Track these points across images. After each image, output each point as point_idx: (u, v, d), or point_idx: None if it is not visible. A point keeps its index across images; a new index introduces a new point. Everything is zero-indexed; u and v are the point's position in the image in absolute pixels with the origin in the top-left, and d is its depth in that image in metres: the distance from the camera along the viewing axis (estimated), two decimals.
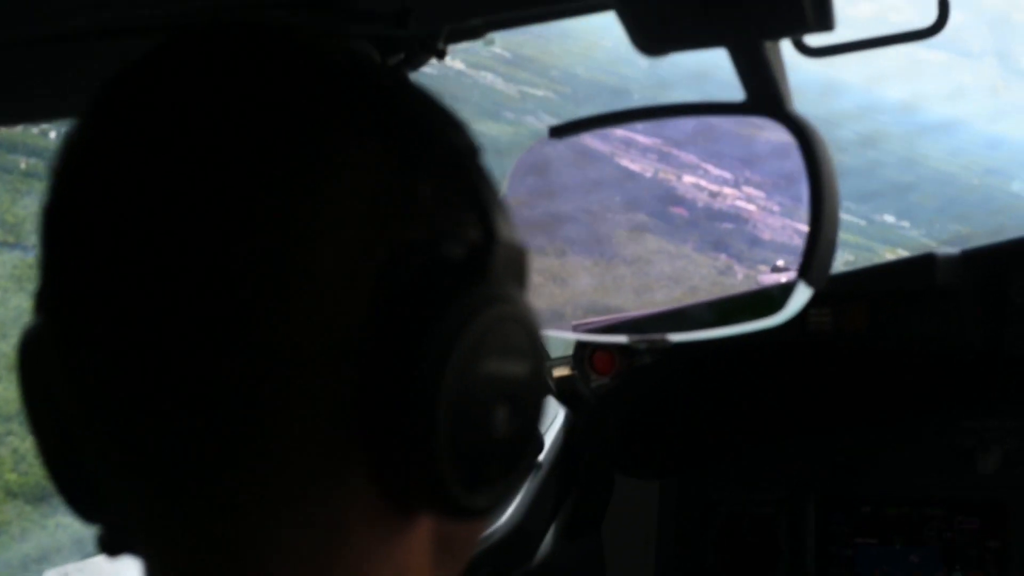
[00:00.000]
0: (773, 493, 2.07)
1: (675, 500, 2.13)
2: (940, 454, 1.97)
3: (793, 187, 0.94)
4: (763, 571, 2.07)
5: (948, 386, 1.95)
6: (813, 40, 0.92)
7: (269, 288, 0.54)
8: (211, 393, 0.55)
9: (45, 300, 0.60)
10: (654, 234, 1.44)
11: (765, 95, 0.93)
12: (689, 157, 1.29)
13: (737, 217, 1.43)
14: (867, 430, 2.02)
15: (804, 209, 0.92)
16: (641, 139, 1.24)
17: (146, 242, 0.55)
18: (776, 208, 1.26)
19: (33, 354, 0.64)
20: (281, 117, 0.56)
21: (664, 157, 1.29)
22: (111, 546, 0.64)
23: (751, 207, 1.38)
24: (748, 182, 1.33)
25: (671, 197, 1.40)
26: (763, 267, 1.58)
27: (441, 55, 1.20)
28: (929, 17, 0.92)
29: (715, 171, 1.33)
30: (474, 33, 1.21)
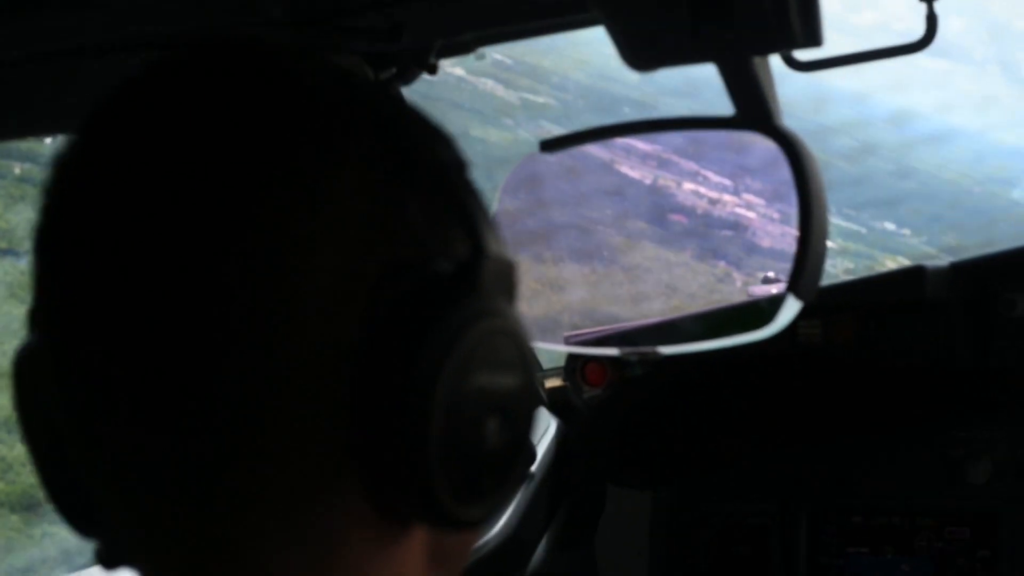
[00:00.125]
0: (765, 503, 2.08)
1: (667, 510, 2.13)
2: (931, 464, 1.98)
3: (789, 195, 0.95)
4: None
5: (938, 397, 1.95)
6: (802, 54, 0.93)
7: (261, 309, 0.55)
8: (204, 411, 0.55)
9: (39, 317, 0.61)
10: (652, 242, 1.44)
11: (754, 109, 0.93)
12: (688, 164, 1.30)
13: (736, 224, 1.43)
14: (858, 441, 2.02)
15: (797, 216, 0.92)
16: (641, 146, 1.24)
17: (138, 261, 0.56)
18: (775, 215, 1.27)
19: (28, 371, 0.64)
20: (270, 138, 0.57)
21: (664, 164, 1.29)
22: (108, 560, 0.65)
23: (751, 214, 1.39)
24: (748, 189, 1.34)
25: (670, 204, 1.40)
26: (762, 274, 1.59)
27: (433, 70, 1.20)
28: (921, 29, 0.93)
29: (715, 178, 1.33)
30: (465, 48, 1.22)
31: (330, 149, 0.57)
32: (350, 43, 1.10)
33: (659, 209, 1.45)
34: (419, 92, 1.26)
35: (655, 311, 1.62)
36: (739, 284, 1.62)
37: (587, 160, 1.19)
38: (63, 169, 0.59)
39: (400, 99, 0.64)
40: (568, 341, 1.54)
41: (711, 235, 1.52)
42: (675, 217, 1.47)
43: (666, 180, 1.35)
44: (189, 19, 0.92)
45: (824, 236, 0.92)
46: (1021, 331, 1.80)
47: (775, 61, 0.92)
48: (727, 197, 1.39)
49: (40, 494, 0.67)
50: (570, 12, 1.09)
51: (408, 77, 1.24)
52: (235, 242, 0.55)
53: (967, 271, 1.83)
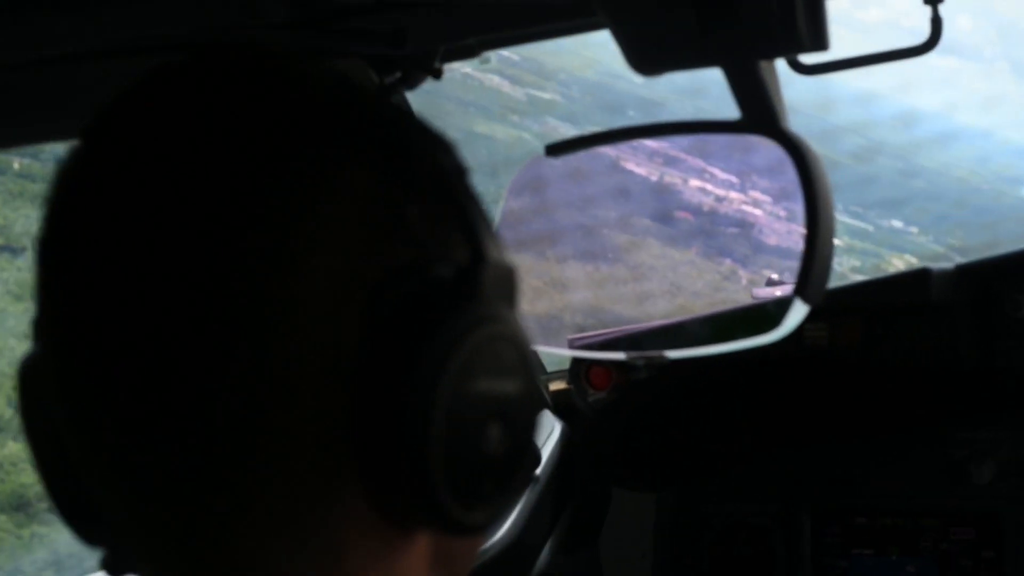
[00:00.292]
0: (769, 505, 2.07)
1: (671, 513, 2.13)
2: (935, 465, 1.97)
3: (796, 194, 0.94)
4: None
5: (942, 399, 1.95)
6: (807, 58, 0.93)
7: (262, 314, 0.55)
8: (205, 418, 0.55)
9: (42, 328, 0.61)
10: (658, 240, 1.44)
11: (760, 113, 0.93)
12: (696, 161, 1.29)
13: (743, 222, 1.43)
14: (862, 442, 2.02)
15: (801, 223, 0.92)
16: (647, 143, 1.24)
17: (139, 269, 0.56)
18: (782, 213, 1.26)
19: (32, 381, 0.64)
20: (271, 143, 0.57)
21: (670, 161, 1.29)
22: (114, 567, 0.65)
23: (757, 212, 1.38)
24: (755, 187, 1.33)
25: (677, 202, 1.40)
26: (768, 272, 1.59)
27: (437, 74, 1.20)
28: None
29: (722, 175, 1.33)
30: (470, 52, 1.22)
31: (330, 154, 0.58)
32: (354, 47, 1.10)
33: (665, 207, 1.44)
34: (423, 89, 1.26)
35: (660, 310, 1.62)
36: (745, 282, 1.62)
37: (593, 158, 1.19)
38: (65, 177, 0.59)
39: (400, 104, 0.64)
40: (573, 345, 1.53)
41: (717, 233, 1.52)
42: (681, 215, 1.47)
43: (672, 177, 1.35)
44: (191, 22, 0.92)
45: (831, 240, 0.92)
46: None
47: (780, 64, 0.92)
48: (734, 194, 1.39)
49: (30, 494, 0.67)
50: (575, 16, 1.09)
51: (412, 81, 1.23)
52: (236, 248, 0.55)
53: (972, 273, 1.82)
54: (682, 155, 1.31)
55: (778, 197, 1.28)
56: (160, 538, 0.59)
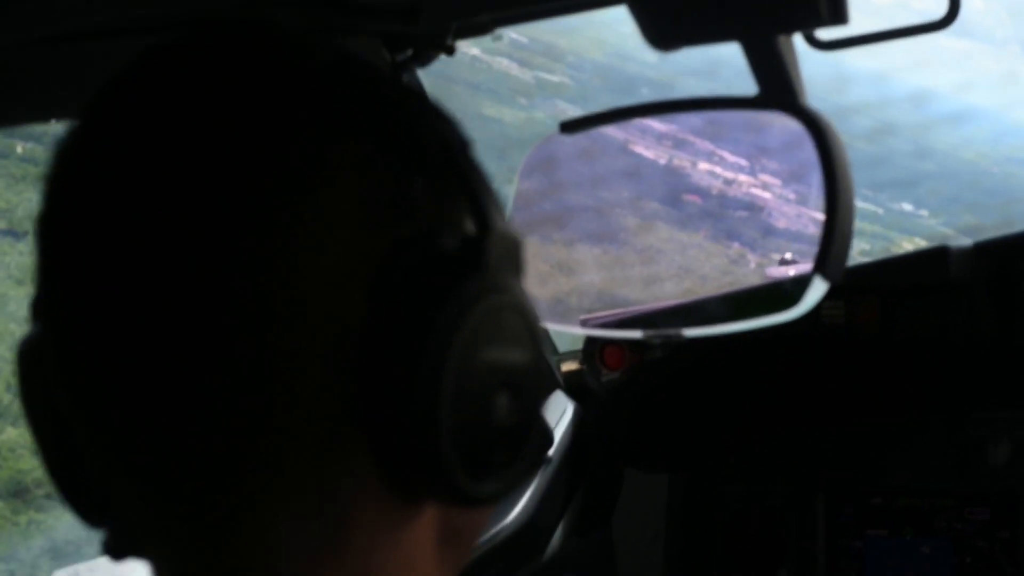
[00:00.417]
0: (782, 486, 2.07)
1: (684, 494, 2.13)
2: (950, 446, 1.97)
3: (807, 176, 0.94)
4: (772, 564, 2.07)
5: (960, 378, 1.94)
6: (824, 33, 0.92)
7: (268, 289, 0.55)
8: (213, 394, 0.55)
9: (42, 308, 0.61)
10: (666, 223, 1.44)
11: (778, 89, 0.92)
12: (705, 144, 1.29)
13: (752, 205, 1.42)
14: (877, 423, 2.01)
15: (818, 197, 0.91)
16: (657, 126, 1.23)
17: (141, 248, 0.55)
18: (792, 196, 1.26)
19: (33, 362, 0.64)
20: (272, 120, 0.57)
21: (680, 144, 1.28)
22: (117, 550, 0.65)
23: (767, 195, 1.38)
24: (765, 169, 1.32)
25: (685, 185, 1.39)
26: (776, 255, 1.58)
27: (450, 51, 1.20)
28: (944, 7, 0.92)
29: (731, 158, 1.32)
30: (483, 29, 1.21)
31: (333, 129, 0.58)
32: (366, 24, 1.09)
33: (674, 190, 1.44)
34: (433, 72, 1.25)
35: (668, 294, 1.61)
36: (753, 266, 1.62)
37: (603, 141, 1.19)
38: (64, 156, 0.59)
39: (403, 79, 0.64)
40: (587, 324, 1.53)
41: (726, 216, 1.51)
42: (690, 198, 1.46)
43: (681, 160, 1.34)
44: (200, 0, 0.91)
45: (851, 216, 0.91)
46: None
47: (796, 42, 0.91)
48: (743, 177, 1.38)
49: (28, 480, 0.66)
50: None
51: (425, 58, 1.23)
52: (240, 223, 0.55)
53: (990, 251, 1.81)
54: (691, 138, 1.30)
55: (788, 180, 1.27)
56: (167, 517, 0.59)
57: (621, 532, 2.13)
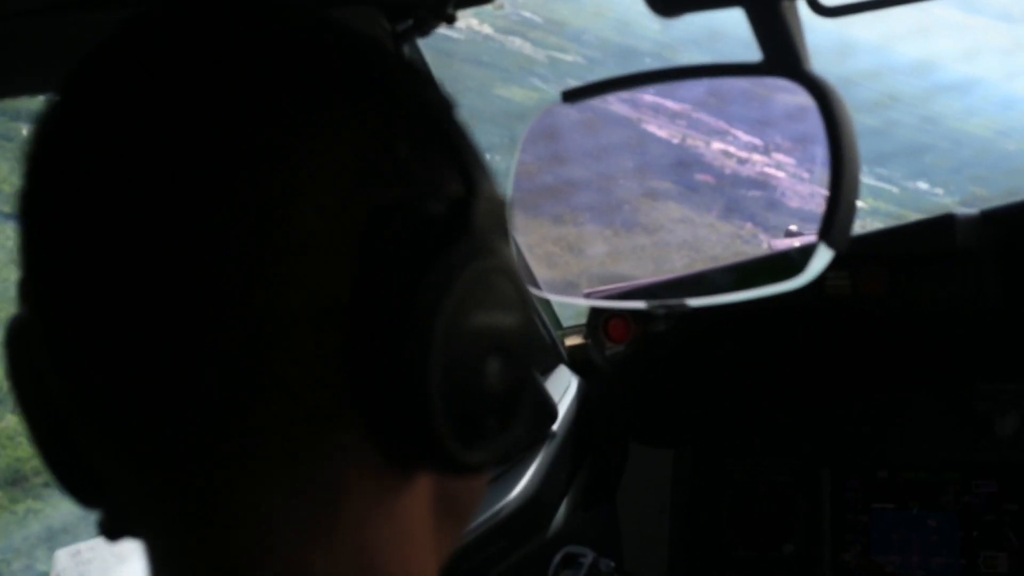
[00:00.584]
0: (788, 461, 2.06)
1: (690, 468, 2.12)
2: (957, 418, 1.96)
3: (811, 146, 0.93)
4: (778, 539, 2.06)
5: (967, 349, 1.93)
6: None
7: (253, 259, 0.54)
8: (201, 368, 0.55)
9: (28, 289, 0.60)
10: (677, 202, 1.43)
11: (783, 55, 0.91)
12: (719, 123, 1.28)
13: (765, 184, 1.41)
14: (883, 395, 2.00)
15: (823, 167, 0.90)
16: (671, 104, 1.22)
17: (124, 223, 0.55)
18: (805, 175, 1.25)
19: (21, 344, 0.63)
20: (251, 89, 0.56)
21: (693, 124, 1.27)
22: (112, 531, 0.64)
23: (780, 174, 1.37)
24: (779, 148, 1.31)
25: (698, 163, 1.38)
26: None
27: (451, 20, 1.18)
28: None
29: (745, 137, 1.31)
30: None
31: (315, 95, 0.57)
32: None
33: (686, 168, 1.43)
34: (443, 50, 1.24)
35: (676, 271, 1.61)
36: (766, 246, 1.61)
37: (615, 118, 1.18)
38: (43, 132, 0.58)
39: (384, 43, 0.63)
40: (591, 296, 1.52)
41: (739, 195, 1.50)
42: (702, 177, 1.45)
43: (695, 139, 1.33)
44: None
45: (856, 184, 0.90)
46: None
47: (801, 8, 0.90)
48: (757, 156, 1.37)
49: (26, 468, 0.66)
50: None
51: (426, 28, 1.21)
52: (224, 195, 0.54)
53: (997, 219, 1.80)
54: (705, 116, 1.29)
55: (802, 158, 1.26)
56: (155, 495, 0.58)
57: (626, 508, 2.13)
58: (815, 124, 0.91)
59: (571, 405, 1.96)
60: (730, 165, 1.40)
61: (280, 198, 0.54)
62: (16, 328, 0.63)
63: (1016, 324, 1.82)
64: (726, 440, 2.11)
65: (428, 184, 0.59)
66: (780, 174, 1.39)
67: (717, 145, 1.35)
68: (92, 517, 0.66)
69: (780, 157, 1.35)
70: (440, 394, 0.55)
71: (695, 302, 1.08)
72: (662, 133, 1.30)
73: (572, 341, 2.10)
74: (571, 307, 2.18)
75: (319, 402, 0.56)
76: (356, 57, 0.60)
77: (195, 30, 0.58)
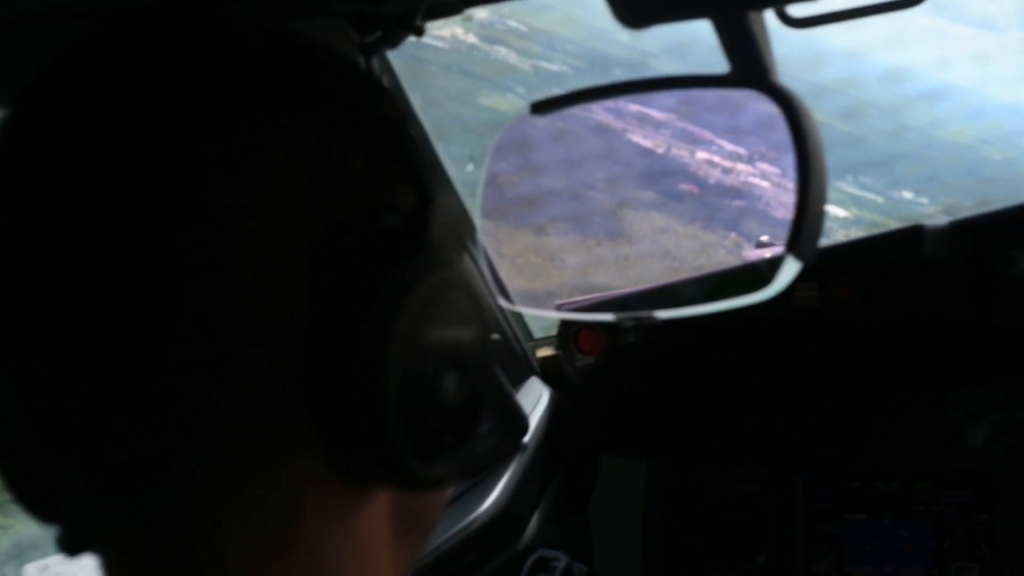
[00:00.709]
0: (760, 471, 2.07)
1: (661, 479, 2.12)
2: (928, 428, 1.96)
3: (780, 156, 0.93)
4: (751, 550, 2.06)
5: (936, 359, 1.94)
6: (797, 10, 0.91)
7: (205, 273, 0.54)
8: (152, 383, 0.54)
9: None
10: (660, 212, 1.42)
11: (750, 67, 0.91)
12: (703, 133, 1.27)
13: (749, 194, 1.41)
14: (855, 405, 2.01)
15: (791, 177, 0.90)
16: (654, 114, 1.22)
17: (76, 234, 0.54)
18: (789, 185, 1.25)
19: None
20: (206, 101, 0.56)
21: (678, 133, 1.27)
22: (70, 546, 0.64)
23: (765, 183, 1.37)
24: (763, 158, 1.31)
25: (682, 173, 1.38)
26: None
27: (419, 32, 1.18)
28: None
29: (730, 146, 1.31)
30: (452, 10, 1.19)
31: (269, 107, 0.57)
32: (334, 5, 1.07)
33: (670, 178, 1.43)
34: (427, 60, 1.24)
35: (647, 281, 1.61)
36: (739, 257, 1.61)
37: (595, 128, 1.17)
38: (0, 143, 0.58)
39: (337, 56, 0.63)
40: (562, 308, 1.52)
41: (722, 204, 1.50)
42: (686, 187, 1.45)
43: (680, 149, 1.33)
44: None
45: (823, 195, 0.90)
46: (1022, 289, 1.78)
47: (769, 19, 0.90)
48: (741, 166, 1.37)
49: None
50: None
51: (395, 40, 1.21)
52: (177, 208, 0.54)
53: (966, 229, 1.80)
54: (688, 126, 1.29)
55: (760, 160, 1.26)
56: (111, 512, 0.58)
57: (598, 519, 2.13)
58: (783, 135, 0.92)
59: (542, 417, 1.95)
60: (715, 175, 1.40)
61: (232, 211, 0.54)
62: None
63: (985, 334, 1.83)
64: (698, 451, 2.11)
65: (383, 198, 0.59)
66: (765, 184, 1.39)
67: (702, 154, 1.35)
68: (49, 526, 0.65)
69: (765, 167, 1.35)
70: (396, 410, 0.55)
71: (663, 314, 1.08)
72: (647, 143, 1.30)
73: (544, 352, 2.10)
74: (544, 319, 2.18)
75: (275, 417, 0.55)
76: (311, 71, 0.60)
77: (150, 43, 0.58)
